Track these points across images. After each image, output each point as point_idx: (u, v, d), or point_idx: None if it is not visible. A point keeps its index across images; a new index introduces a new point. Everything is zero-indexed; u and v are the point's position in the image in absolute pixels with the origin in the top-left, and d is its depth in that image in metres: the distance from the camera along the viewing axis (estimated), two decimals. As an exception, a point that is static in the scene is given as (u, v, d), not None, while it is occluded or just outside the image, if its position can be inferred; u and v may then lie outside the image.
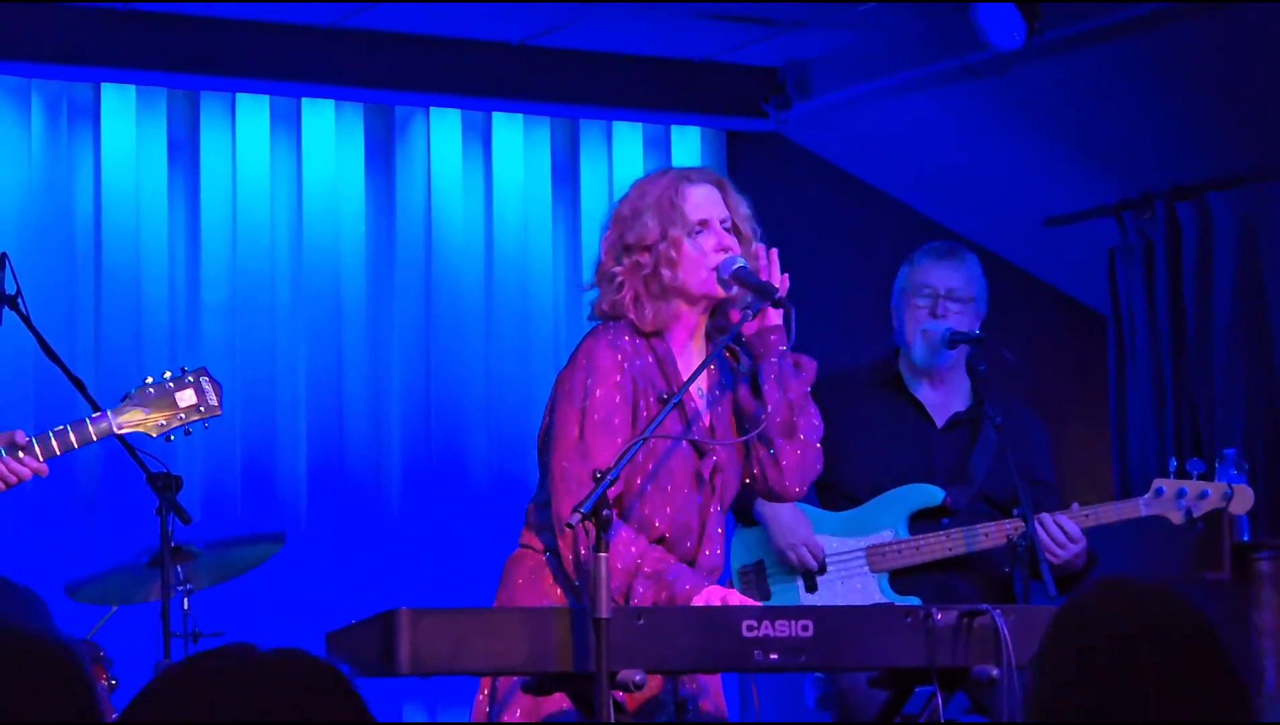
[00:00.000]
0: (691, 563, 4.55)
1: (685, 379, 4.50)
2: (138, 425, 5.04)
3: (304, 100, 7.59)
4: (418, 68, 7.62)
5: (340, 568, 7.46)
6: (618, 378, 4.50)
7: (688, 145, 8.15)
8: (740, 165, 8.07)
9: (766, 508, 5.71)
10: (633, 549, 4.40)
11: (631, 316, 4.56)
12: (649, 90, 7.98)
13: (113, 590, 6.11)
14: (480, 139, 7.87)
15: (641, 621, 4.11)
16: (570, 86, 7.86)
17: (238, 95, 7.51)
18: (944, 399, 5.90)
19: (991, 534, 5.70)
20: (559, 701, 4.36)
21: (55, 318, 6.95)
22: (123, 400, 5.04)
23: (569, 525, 4.16)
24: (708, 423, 4.60)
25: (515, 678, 4.36)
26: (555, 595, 4.51)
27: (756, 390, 4.59)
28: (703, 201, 4.60)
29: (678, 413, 4.53)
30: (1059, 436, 6.56)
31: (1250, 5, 6.82)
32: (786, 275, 4.56)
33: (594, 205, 7.84)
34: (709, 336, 4.65)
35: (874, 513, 5.79)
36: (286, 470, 7.48)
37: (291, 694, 2.15)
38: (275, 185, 7.55)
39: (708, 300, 4.58)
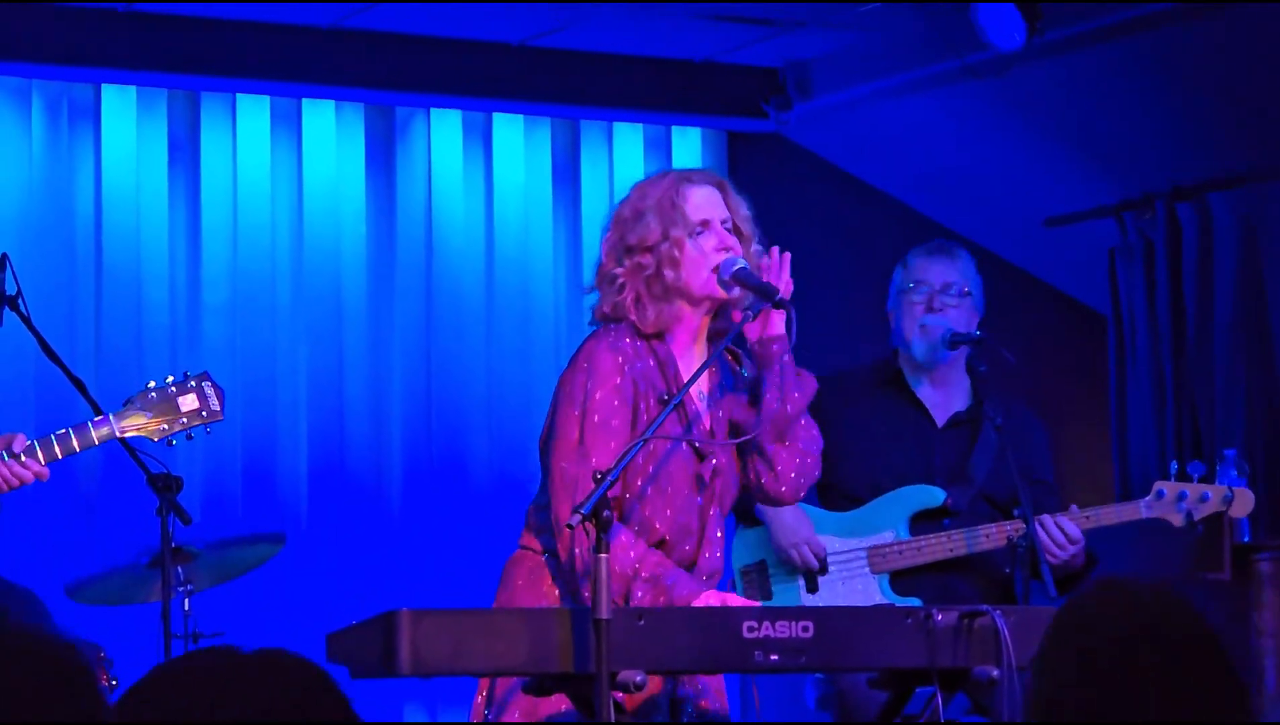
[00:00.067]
0: (692, 565, 4.55)
1: (686, 381, 4.50)
2: (139, 429, 5.05)
3: (304, 101, 7.60)
4: (418, 68, 7.62)
5: (341, 568, 7.46)
6: (618, 380, 4.50)
7: (688, 146, 8.15)
8: (741, 166, 8.07)
9: (768, 508, 5.71)
10: (631, 553, 4.40)
11: (633, 318, 4.56)
12: (649, 91, 7.98)
13: (113, 591, 6.12)
14: (481, 139, 7.87)
15: (642, 622, 4.11)
16: (571, 87, 7.86)
17: (238, 96, 7.51)
18: (944, 399, 5.90)
19: (992, 535, 5.70)
20: (557, 704, 4.37)
21: (56, 318, 6.95)
22: (125, 404, 5.05)
23: (569, 526, 4.16)
24: (708, 425, 4.60)
25: (513, 680, 4.36)
26: (554, 596, 4.51)
27: (756, 400, 4.59)
28: (704, 202, 4.60)
29: (678, 415, 4.53)
30: (1059, 436, 6.56)
31: (1250, 5, 6.82)
32: (791, 278, 4.55)
33: (595, 206, 7.84)
34: (711, 339, 4.65)
35: (875, 513, 5.79)
36: (287, 471, 7.48)
37: (277, 694, 2.16)
38: (276, 186, 7.55)
39: (709, 301, 4.58)
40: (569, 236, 7.98)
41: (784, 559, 5.77)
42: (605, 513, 4.05)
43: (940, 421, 5.88)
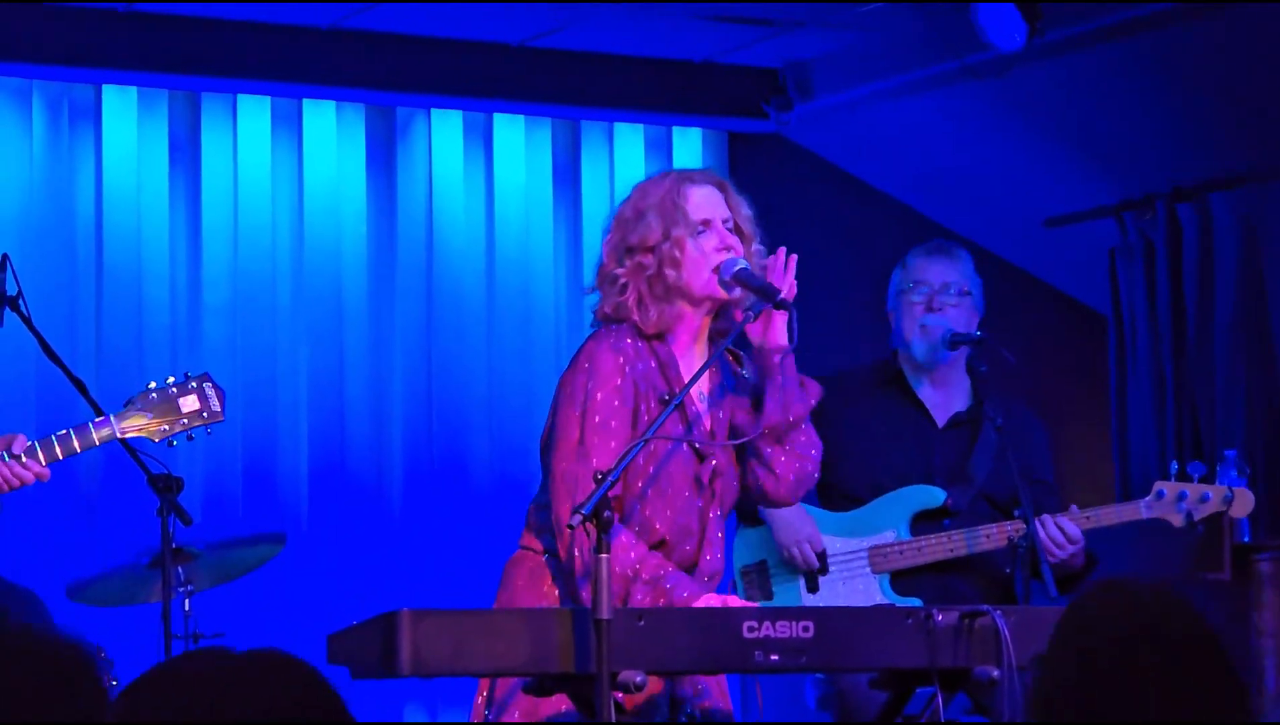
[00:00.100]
0: (692, 567, 4.55)
1: (687, 382, 4.50)
2: (140, 430, 5.05)
3: (305, 101, 7.59)
4: (419, 68, 7.62)
5: (341, 569, 7.46)
6: (619, 381, 4.49)
7: (689, 146, 8.15)
8: (741, 166, 8.07)
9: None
10: (631, 555, 4.39)
11: (635, 318, 4.56)
12: (650, 91, 7.98)
13: (114, 592, 6.11)
14: (481, 140, 7.87)
15: (642, 623, 4.11)
16: (571, 87, 7.86)
17: (239, 96, 7.51)
18: (944, 399, 5.91)
19: (993, 535, 5.71)
20: (557, 704, 4.36)
21: (56, 319, 6.95)
22: (126, 405, 5.05)
23: (569, 527, 4.16)
24: (708, 426, 4.60)
25: (513, 681, 4.36)
26: (555, 597, 4.51)
27: (758, 405, 4.59)
28: (705, 202, 4.60)
29: (678, 416, 4.53)
30: (1059, 437, 6.56)
31: (1250, 5, 6.82)
32: (794, 280, 4.54)
33: (595, 206, 7.84)
34: (712, 339, 4.64)
35: (876, 513, 5.79)
36: (288, 471, 7.48)
37: (270, 694, 2.16)
38: (276, 186, 7.55)
39: (710, 302, 4.58)
40: (570, 237, 7.98)
41: (785, 558, 5.78)
42: (606, 513, 4.05)
43: (940, 422, 5.88)
